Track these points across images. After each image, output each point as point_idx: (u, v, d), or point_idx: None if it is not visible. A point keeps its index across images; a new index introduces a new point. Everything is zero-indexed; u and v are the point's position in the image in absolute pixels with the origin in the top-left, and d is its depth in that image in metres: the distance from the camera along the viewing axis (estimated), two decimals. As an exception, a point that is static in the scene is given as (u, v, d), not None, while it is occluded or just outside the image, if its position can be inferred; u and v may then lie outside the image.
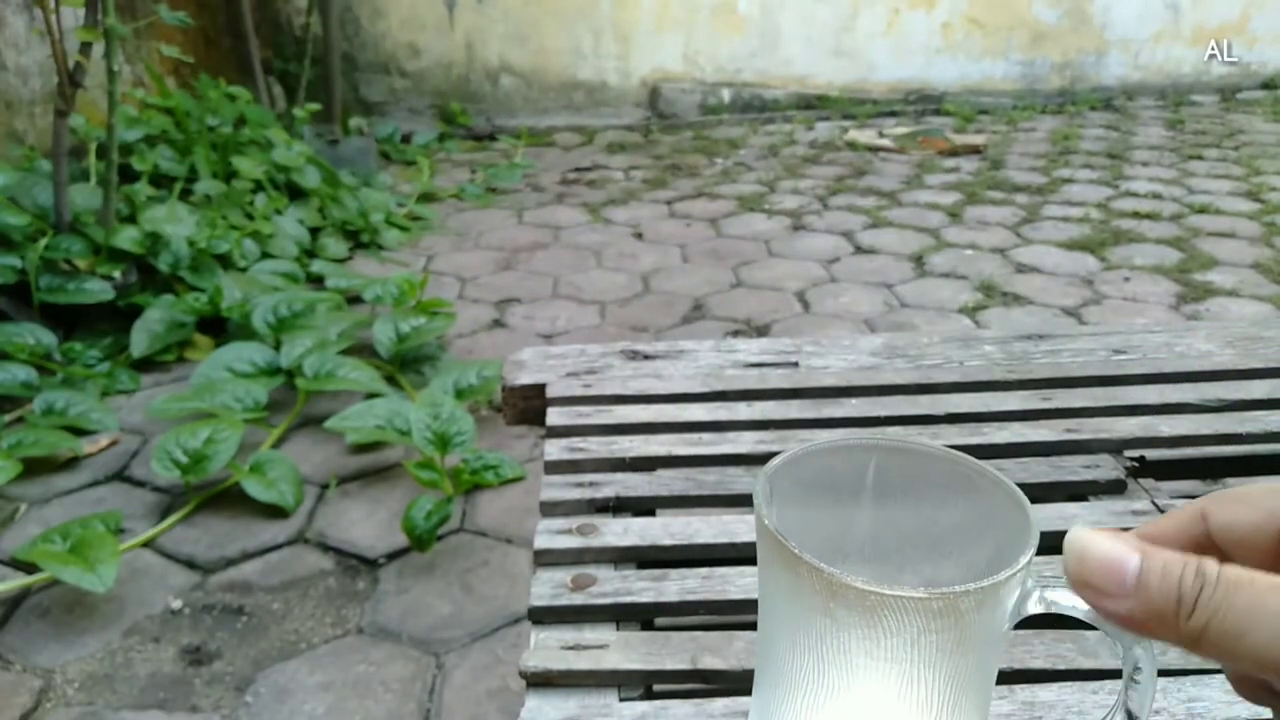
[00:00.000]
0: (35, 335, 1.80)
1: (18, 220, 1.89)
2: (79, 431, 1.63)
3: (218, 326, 2.00)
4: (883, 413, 0.62)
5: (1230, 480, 0.55)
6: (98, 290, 1.90)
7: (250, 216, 2.38)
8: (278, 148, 2.59)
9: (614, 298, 2.27)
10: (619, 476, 0.56)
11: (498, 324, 2.15)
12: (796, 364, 0.69)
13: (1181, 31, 4.11)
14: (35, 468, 1.54)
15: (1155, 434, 0.58)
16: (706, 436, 0.59)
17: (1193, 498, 0.56)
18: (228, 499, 1.49)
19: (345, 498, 1.51)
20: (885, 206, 2.90)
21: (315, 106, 2.99)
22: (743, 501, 0.54)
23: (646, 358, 0.70)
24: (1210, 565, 0.22)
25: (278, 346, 1.80)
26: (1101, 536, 0.23)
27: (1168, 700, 0.39)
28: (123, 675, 1.17)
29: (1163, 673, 0.41)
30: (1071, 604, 0.28)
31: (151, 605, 1.29)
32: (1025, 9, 4.02)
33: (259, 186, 2.50)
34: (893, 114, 4.03)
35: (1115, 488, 0.55)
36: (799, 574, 0.27)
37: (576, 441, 0.58)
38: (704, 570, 0.47)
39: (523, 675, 0.42)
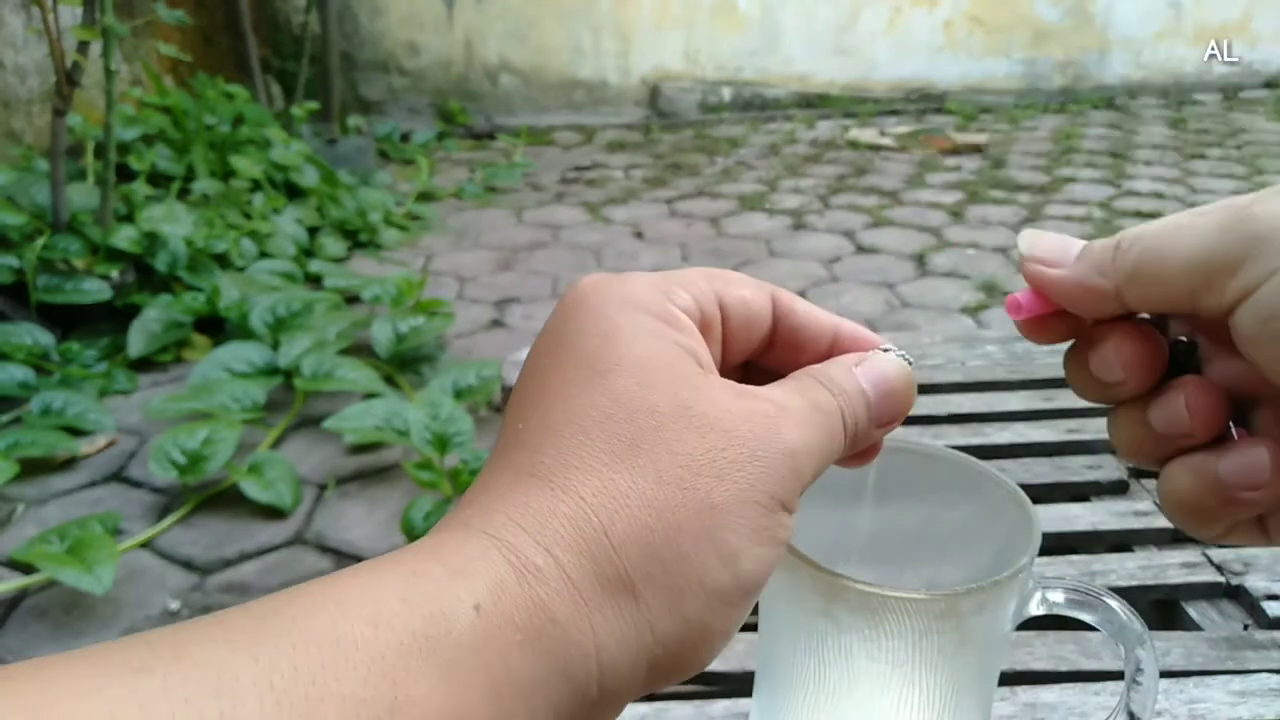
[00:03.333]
0: (33, 335, 1.80)
1: (15, 220, 1.89)
2: (76, 432, 1.63)
3: (215, 326, 2.00)
4: (883, 412, 0.62)
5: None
6: (95, 290, 1.90)
7: (248, 216, 2.37)
8: (276, 147, 2.59)
9: (614, 297, 2.26)
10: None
11: (497, 324, 2.15)
12: (796, 363, 0.69)
13: (1183, 30, 4.11)
14: (33, 468, 1.54)
15: (1157, 433, 0.58)
16: (706, 436, 0.59)
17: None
18: (226, 500, 1.48)
19: (344, 498, 1.51)
20: (886, 205, 2.90)
21: (313, 105, 2.99)
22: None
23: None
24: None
25: (276, 346, 1.80)
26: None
27: (1169, 701, 0.39)
28: (121, 676, 1.17)
29: (1165, 674, 0.40)
30: (1073, 604, 0.28)
31: (149, 606, 1.28)
32: (1027, 7, 4.02)
33: (257, 186, 2.50)
34: (894, 113, 4.03)
35: (1117, 488, 0.55)
36: (800, 575, 0.26)
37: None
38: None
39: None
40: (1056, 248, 0.24)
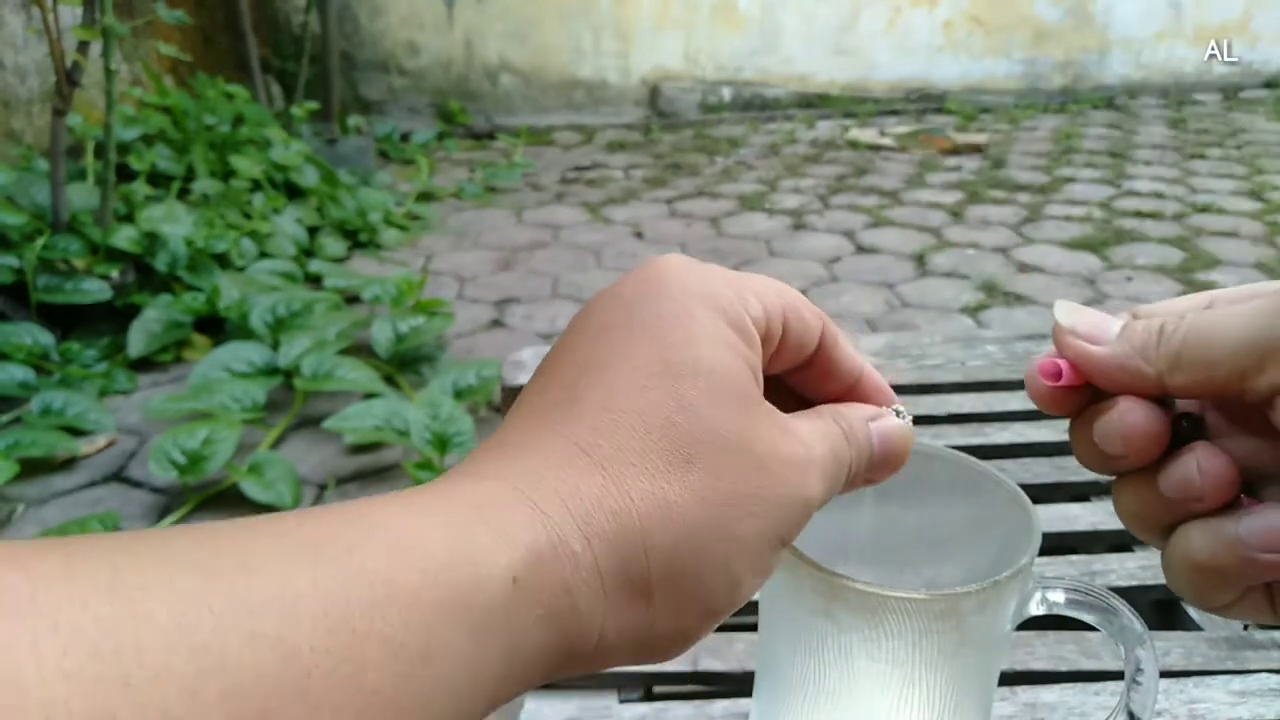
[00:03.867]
0: (32, 335, 1.80)
1: (15, 220, 1.89)
2: (76, 432, 1.63)
3: (215, 326, 2.00)
4: (883, 412, 0.62)
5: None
6: (95, 290, 1.90)
7: (248, 216, 2.37)
8: (276, 147, 2.59)
9: (614, 297, 2.26)
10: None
11: (497, 324, 2.15)
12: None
13: (1184, 30, 4.11)
14: (33, 468, 1.54)
15: (1158, 433, 0.58)
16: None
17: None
18: (226, 500, 1.48)
19: (344, 498, 1.51)
20: (886, 205, 2.89)
21: (313, 105, 2.99)
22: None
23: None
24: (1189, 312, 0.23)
25: (276, 346, 1.80)
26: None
27: (1170, 701, 0.39)
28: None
29: (1165, 674, 0.40)
30: (1073, 604, 0.28)
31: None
32: (1027, 7, 4.02)
33: (257, 186, 2.50)
34: (894, 113, 4.03)
35: (1117, 487, 0.55)
36: (800, 575, 0.26)
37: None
38: (703, 571, 0.47)
39: (520, 677, 0.41)
40: (1095, 324, 0.24)
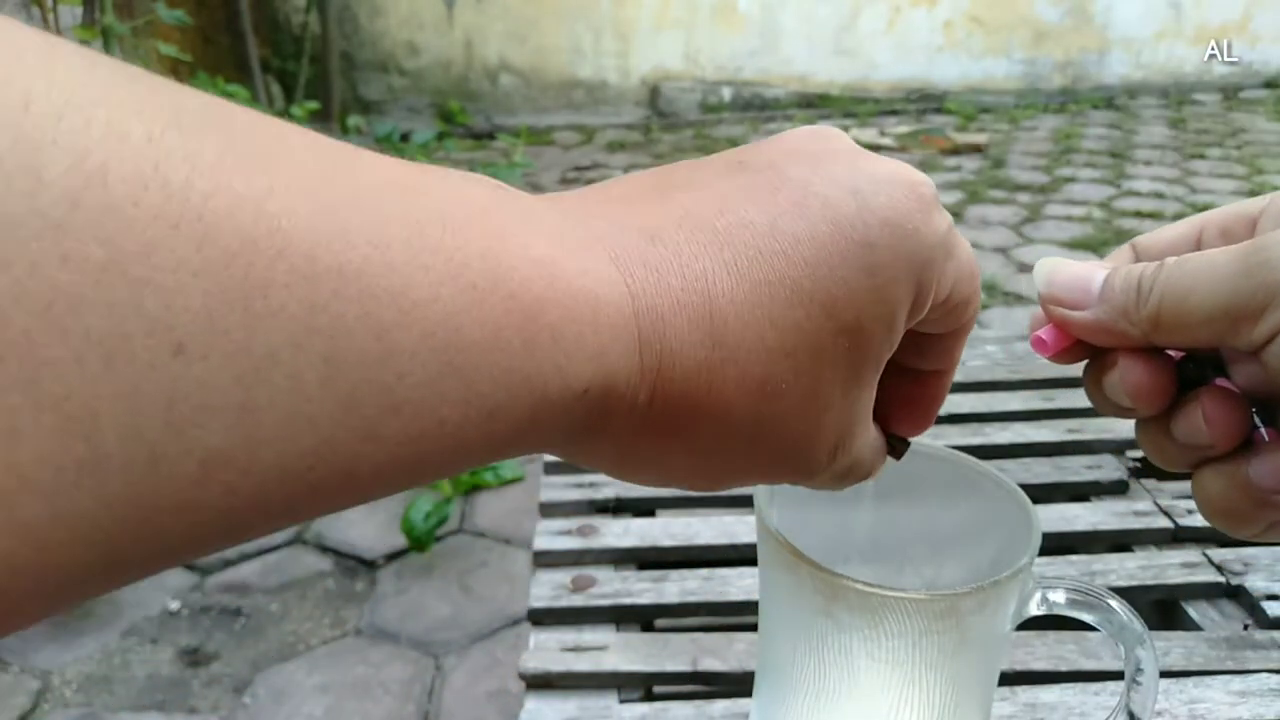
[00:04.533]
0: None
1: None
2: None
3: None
4: (883, 412, 0.62)
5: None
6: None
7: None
8: (277, 147, 2.59)
9: (614, 297, 2.26)
10: (618, 476, 0.55)
11: (497, 323, 2.15)
12: (797, 363, 0.69)
13: (1184, 30, 4.11)
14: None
15: (1157, 433, 0.58)
16: (706, 436, 0.59)
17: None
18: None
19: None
20: (885, 206, 2.89)
21: (314, 105, 2.98)
22: (743, 502, 0.54)
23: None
24: (1168, 258, 0.22)
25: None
26: (1070, 260, 0.24)
27: (1169, 701, 0.39)
28: (120, 676, 1.17)
29: (1165, 674, 0.40)
30: (1073, 604, 0.28)
31: (149, 606, 1.28)
32: (1027, 7, 4.02)
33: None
34: (894, 113, 4.03)
35: (1117, 488, 0.55)
36: (800, 575, 0.26)
37: (575, 441, 0.58)
38: (704, 571, 0.47)
39: (522, 677, 0.41)
40: (1076, 283, 0.24)
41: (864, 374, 0.20)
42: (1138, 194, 2.95)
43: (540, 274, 0.16)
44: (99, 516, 0.11)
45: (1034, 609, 0.28)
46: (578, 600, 0.45)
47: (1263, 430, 0.22)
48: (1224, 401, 0.22)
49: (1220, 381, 0.23)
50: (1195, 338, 0.21)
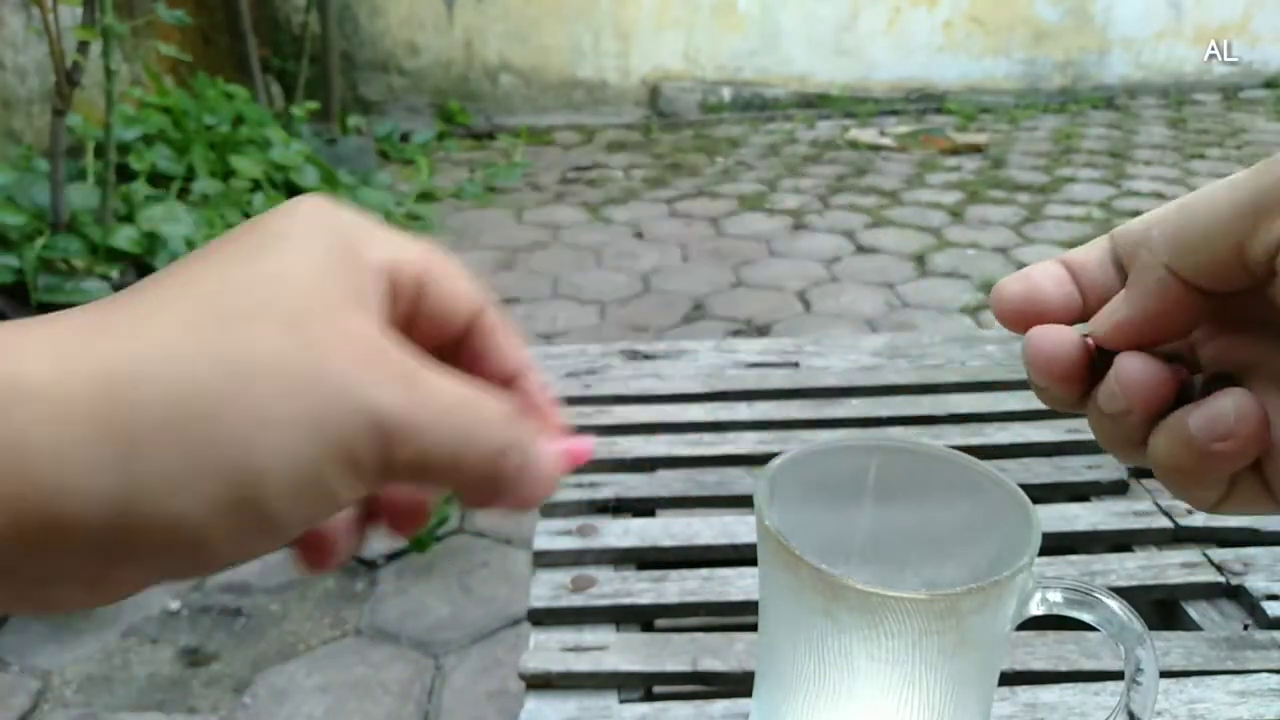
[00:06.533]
0: (34, 335, 1.80)
1: (15, 220, 1.89)
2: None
3: (217, 326, 2.00)
4: (884, 413, 0.62)
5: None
6: (95, 290, 1.90)
7: (248, 216, 2.37)
8: (276, 147, 2.59)
9: (614, 298, 2.26)
10: (619, 477, 0.55)
11: (497, 323, 2.15)
12: (797, 364, 0.69)
13: (1183, 30, 4.11)
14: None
15: (1157, 433, 0.58)
16: (707, 437, 0.59)
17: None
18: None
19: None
20: (886, 206, 2.89)
21: (313, 105, 2.98)
22: (743, 502, 0.53)
23: (646, 358, 0.69)
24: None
25: (277, 346, 1.80)
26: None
27: (1169, 701, 0.39)
28: (120, 676, 1.17)
29: (1165, 674, 0.40)
30: (1073, 604, 0.28)
31: (149, 606, 1.28)
32: (1027, 7, 4.02)
33: (257, 186, 2.50)
34: (894, 113, 4.03)
35: (1117, 488, 0.55)
36: (800, 575, 0.26)
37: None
38: (704, 571, 0.47)
39: (522, 677, 0.41)
40: (1039, 271, 0.24)
41: None
42: (1138, 194, 2.95)
43: None
44: None
45: (1034, 609, 0.28)
46: (578, 600, 0.45)
47: (1197, 383, 0.22)
48: (1136, 363, 0.22)
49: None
50: (1215, 252, 0.20)
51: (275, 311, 0.18)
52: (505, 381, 0.23)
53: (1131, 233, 0.24)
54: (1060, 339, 0.23)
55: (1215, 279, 0.21)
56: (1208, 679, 0.40)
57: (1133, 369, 0.22)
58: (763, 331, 2.08)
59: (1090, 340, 0.23)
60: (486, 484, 0.20)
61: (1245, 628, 0.44)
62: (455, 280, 0.22)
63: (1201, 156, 3.34)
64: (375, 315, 0.19)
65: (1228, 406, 0.21)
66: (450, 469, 0.19)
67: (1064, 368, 0.23)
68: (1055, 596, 0.28)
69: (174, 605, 1.28)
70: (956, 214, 2.81)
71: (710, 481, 0.55)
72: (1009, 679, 0.41)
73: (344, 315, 0.18)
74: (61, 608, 0.18)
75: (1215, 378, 0.22)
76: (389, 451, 0.18)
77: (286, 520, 0.18)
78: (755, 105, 4.06)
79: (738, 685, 0.41)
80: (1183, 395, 0.22)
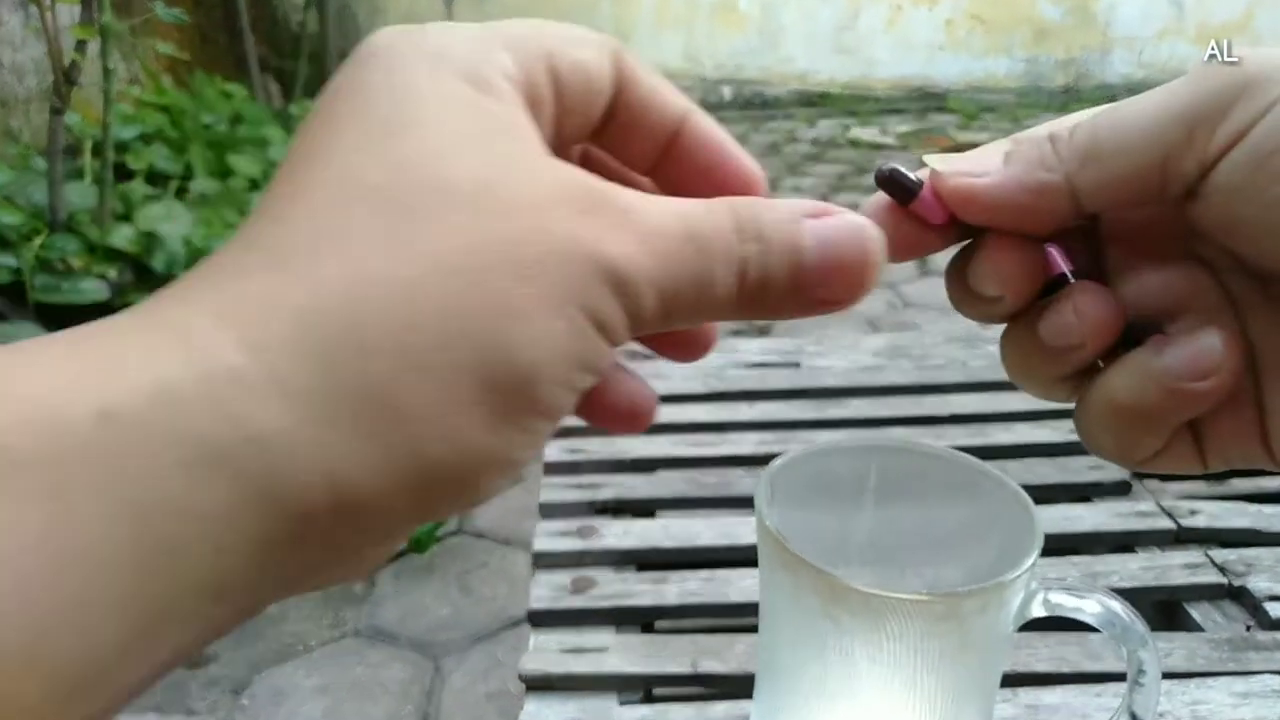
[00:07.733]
0: (30, 336, 1.80)
1: (12, 219, 1.89)
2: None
3: (216, 325, 2.00)
4: (885, 413, 0.62)
5: (1234, 481, 0.55)
6: (93, 290, 1.90)
7: (246, 215, 2.37)
8: (274, 145, 2.59)
9: (613, 296, 2.26)
10: (619, 477, 0.55)
11: (497, 323, 2.15)
12: (798, 364, 0.69)
13: (1185, 29, 4.11)
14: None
15: (1159, 433, 0.58)
16: (707, 437, 0.59)
17: (1198, 499, 0.55)
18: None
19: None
20: (885, 205, 2.89)
21: (312, 104, 2.98)
22: (744, 503, 0.53)
23: (646, 357, 0.69)
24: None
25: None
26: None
27: (1172, 703, 0.39)
28: (120, 676, 1.17)
29: (1167, 675, 0.40)
30: (1075, 605, 0.28)
31: (149, 605, 1.28)
32: (1028, 6, 4.02)
33: (255, 185, 2.50)
34: (895, 111, 4.03)
35: (1120, 489, 0.55)
36: (800, 577, 0.26)
37: (576, 442, 0.58)
38: (704, 572, 0.47)
39: (522, 678, 0.41)
40: (975, 160, 0.20)
41: None
42: (1138, 193, 2.95)
43: None
44: None
45: (1036, 610, 0.28)
46: (577, 602, 0.45)
47: (1157, 338, 0.21)
48: (1096, 294, 0.20)
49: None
50: (1137, 165, 0.19)
51: (459, 195, 0.15)
52: (670, 133, 0.20)
53: (1038, 131, 0.21)
54: (1023, 245, 0.21)
55: (1124, 193, 0.19)
56: (1210, 680, 0.40)
57: (1095, 303, 0.20)
58: (763, 331, 2.08)
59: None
60: (752, 304, 0.18)
61: (1248, 629, 0.44)
62: (579, 48, 0.19)
63: (1202, 155, 3.34)
64: (541, 147, 0.17)
65: (1215, 344, 0.19)
66: (697, 308, 0.17)
67: (1027, 275, 0.21)
68: (1057, 598, 0.28)
69: (173, 605, 1.28)
70: (957, 213, 2.80)
71: (710, 482, 0.55)
72: (1011, 680, 0.41)
73: (527, 170, 0.16)
74: (365, 570, 0.17)
75: (1144, 319, 0.21)
76: (635, 306, 0.16)
77: (561, 405, 0.16)
78: (756, 104, 4.06)
79: (738, 687, 0.41)
80: (1126, 334, 0.21)
